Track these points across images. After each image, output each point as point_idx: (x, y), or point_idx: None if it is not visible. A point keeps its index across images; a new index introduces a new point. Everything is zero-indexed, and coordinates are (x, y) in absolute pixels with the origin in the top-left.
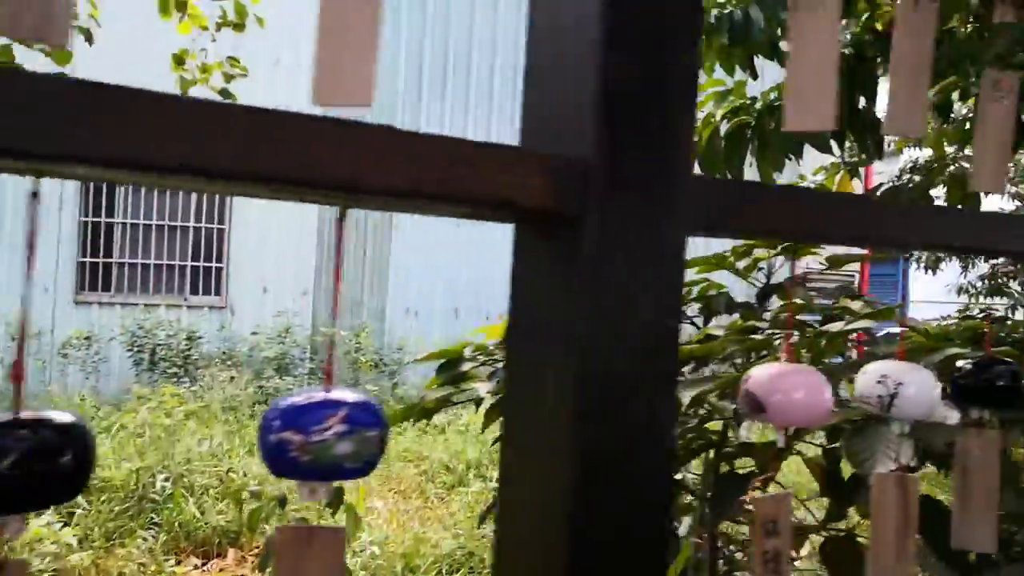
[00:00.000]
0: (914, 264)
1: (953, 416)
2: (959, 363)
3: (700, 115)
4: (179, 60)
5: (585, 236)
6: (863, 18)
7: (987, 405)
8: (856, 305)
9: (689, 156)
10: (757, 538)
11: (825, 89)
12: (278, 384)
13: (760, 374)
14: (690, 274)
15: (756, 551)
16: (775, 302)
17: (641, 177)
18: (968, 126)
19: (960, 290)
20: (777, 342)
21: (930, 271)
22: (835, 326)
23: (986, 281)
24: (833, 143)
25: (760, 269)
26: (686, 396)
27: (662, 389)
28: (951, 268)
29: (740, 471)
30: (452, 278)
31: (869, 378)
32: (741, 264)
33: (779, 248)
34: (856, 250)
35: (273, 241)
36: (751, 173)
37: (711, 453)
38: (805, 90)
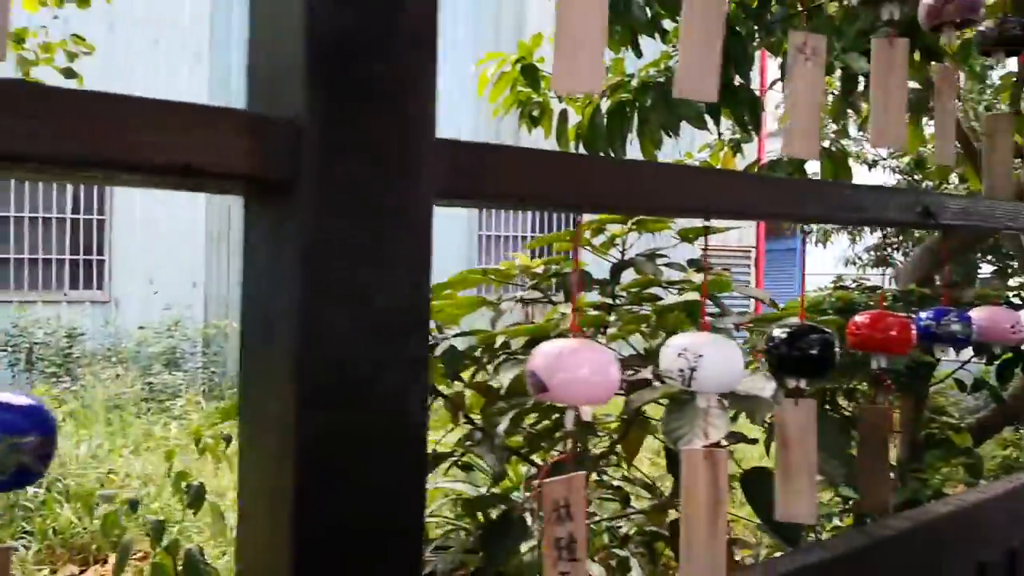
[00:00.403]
0: (808, 238)
1: (769, 387)
2: (774, 332)
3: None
4: (19, 39)
5: (301, 203)
6: None
7: (801, 374)
8: (698, 278)
9: (431, 114)
10: (547, 524)
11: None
12: (167, 380)
13: (543, 352)
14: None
15: (546, 539)
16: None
17: (369, 138)
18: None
19: (848, 262)
20: (613, 318)
21: (821, 244)
22: (669, 301)
23: (871, 253)
24: (710, 120)
25: (615, 245)
26: (506, 378)
27: (410, 373)
28: (841, 241)
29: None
30: None
31: (671, 352)
32: (598, 241)
33: (630, 224)
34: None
35: (159, 231)
36: (633, 151)
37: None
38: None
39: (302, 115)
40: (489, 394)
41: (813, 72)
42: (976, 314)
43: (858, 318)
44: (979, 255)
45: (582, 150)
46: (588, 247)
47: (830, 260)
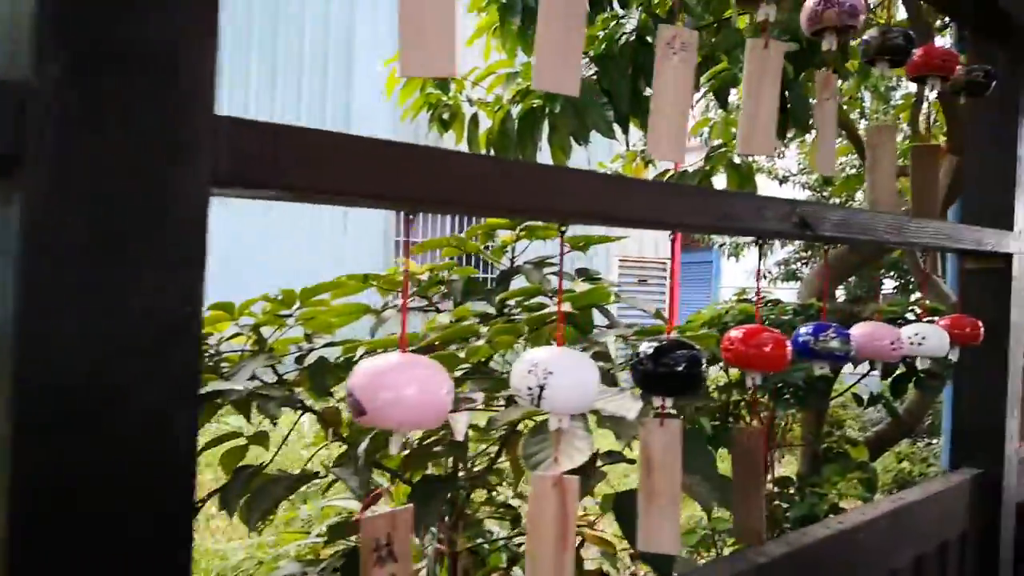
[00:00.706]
0: (721, 251)
1: (635, 407)
2: (640, 348)
3: (489, 98)
4: None
5: (26, 185)
6: (646, 3)
7: (667, 392)
8: (581, 287)
9: (209, 88)
10: (366, 565)
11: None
12: None
13: (364, 370)
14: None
15: None
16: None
17: (123, 113)
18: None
19: (758, 275)
20: (485, 329)
21: (733, 257)
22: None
23: (781, 267)
24: (619, 129)
25: (505, 252)
26: None
27: (174, 392)
28: (753, 254)
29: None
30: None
31: (521, 368)
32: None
33: (519, 229)
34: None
35: None
36: (544, 158)
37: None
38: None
39: (31, 80)
40: None
41: (682, 69)
42: (857, 330)
43: (732, 333)
44: (882, 271)
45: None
46: (477, 252)
47: (742, 274)
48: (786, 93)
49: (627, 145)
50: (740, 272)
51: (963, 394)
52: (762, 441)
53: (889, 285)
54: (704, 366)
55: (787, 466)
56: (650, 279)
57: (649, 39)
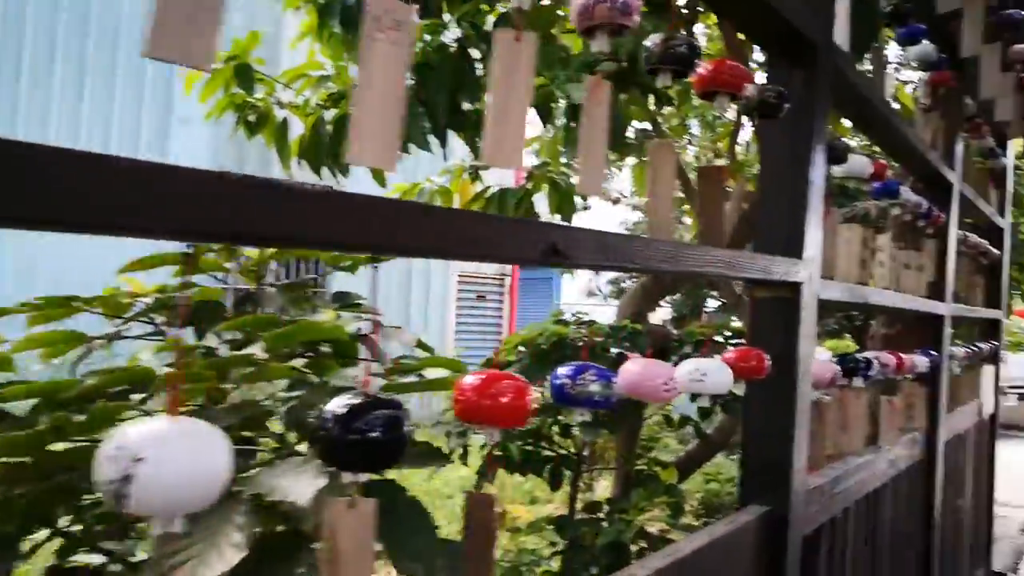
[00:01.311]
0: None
1: (311, 485)
2: (328, 407)
3: (299, 100)
4: None
5: None
6: (472, 12)
7: (358, 466)
8: (325, 316)
9: None
10: None
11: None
12: None
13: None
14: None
15: None
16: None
17: None
18: (568, 132)
19: (589, 293)
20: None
21: (568, 273)
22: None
23: (611, 285)
24: (437, 142)
25: (269, 271)
26: None
27: None
28: (585, 272)
29: None
30: None
31: (106, 450)
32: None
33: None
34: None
35: None
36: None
37: None
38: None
39: None
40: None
41: (392, 53)
42: (629, 367)
43: (467, 380)
44: (705, 289)
45: (306, 165)
46: (219, 271)
47: (580, 292)
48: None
49: (444, 158)
50: (577, 289)
51: (751, 427)
52: (492, 508)
53: (714, 303)
54: (406, 428)
55: (604, 488)
56: (489, 295)
57: (474, 52)
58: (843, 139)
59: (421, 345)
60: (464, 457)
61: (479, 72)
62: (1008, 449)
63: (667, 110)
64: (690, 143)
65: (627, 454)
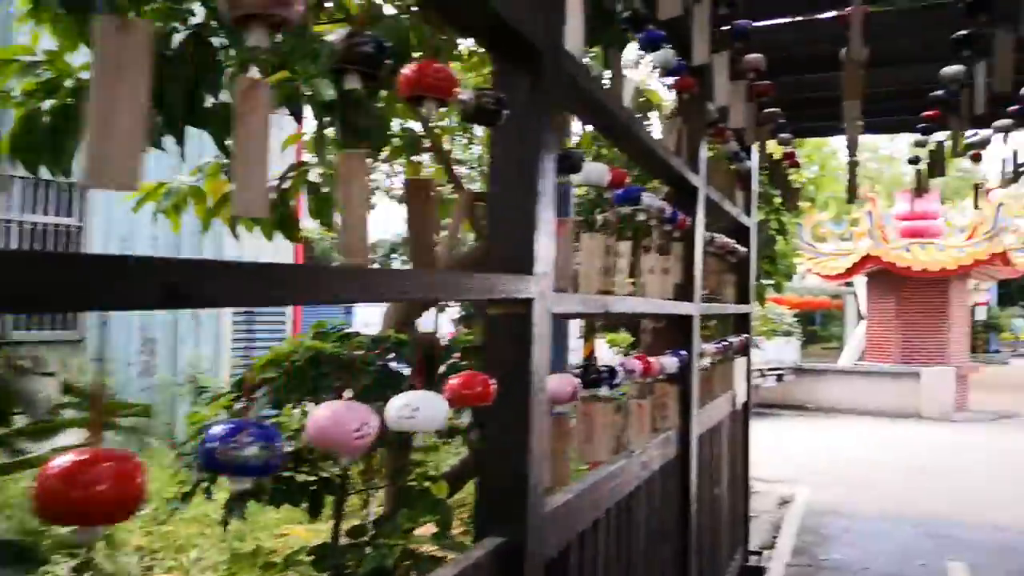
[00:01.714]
0: None
1: None
2: None
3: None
4: None
5: None
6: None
7: None
8: None
9: None
10: None
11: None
12: None
13: None
14: None
15: None
16: None
17: None
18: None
19: None
20: None
21: None
22: None
23: None
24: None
25: None
26: None
27: None
28: None
29: None
30: None
31: None
32: None
33: None
34: None
35: None
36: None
37: None
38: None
39: None
40: None
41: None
42: (318, 413)
43: (54, 463)
44: None
45: (19, 165)
46: None
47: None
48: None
49: (183, 156)
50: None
51: (484, 452)
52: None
53: None
54: None
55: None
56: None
57: (213, 41)
58: (580, 149)
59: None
60: (208, 492)
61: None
62: (768, 427)
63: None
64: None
65: (397, 469)
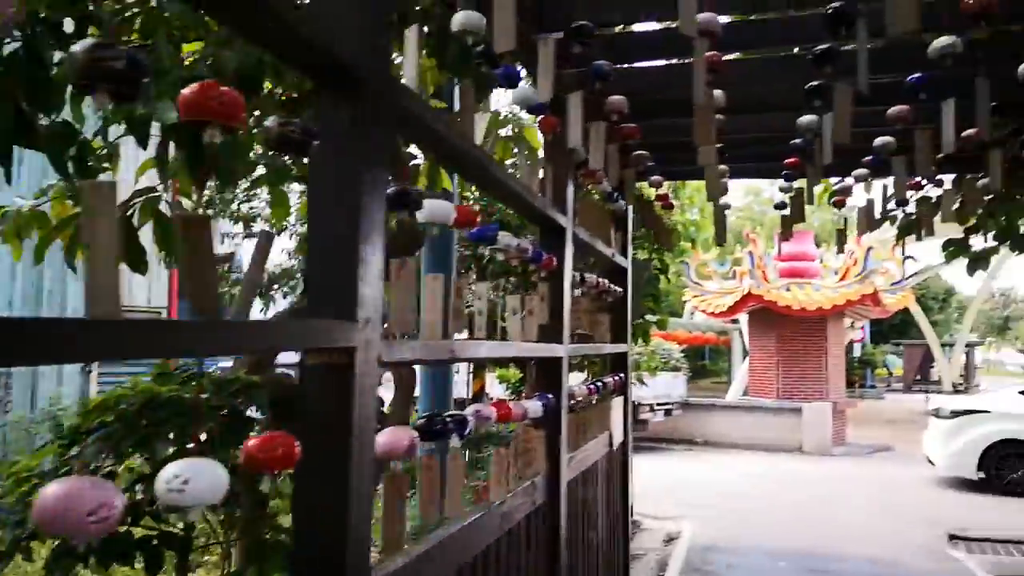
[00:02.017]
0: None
1: None
2: None
3: None
4: None
5: None
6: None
7: None
8: None
9: None
10: None
11: None
12: None
13: None
14: None
15: None
16: None
17: None
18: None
19: None
20: None
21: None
22: None
23: None
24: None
25: None
26: None
27: None
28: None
29: None
30: None
31: None
32: None
33: None
34: None
35: None
36: None
37: None
38: None
39: None
40: None
41: None
42: (48, 491)
43: None
44: None
45: None
46: None
47: None
48: None
49: (8, 181)
50: None
51: (298, 516)
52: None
53: None
54: None
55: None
56: None
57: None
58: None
59: None
60: (27, 552)
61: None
62: (656, 462)
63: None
64: None
65: (250, 521)
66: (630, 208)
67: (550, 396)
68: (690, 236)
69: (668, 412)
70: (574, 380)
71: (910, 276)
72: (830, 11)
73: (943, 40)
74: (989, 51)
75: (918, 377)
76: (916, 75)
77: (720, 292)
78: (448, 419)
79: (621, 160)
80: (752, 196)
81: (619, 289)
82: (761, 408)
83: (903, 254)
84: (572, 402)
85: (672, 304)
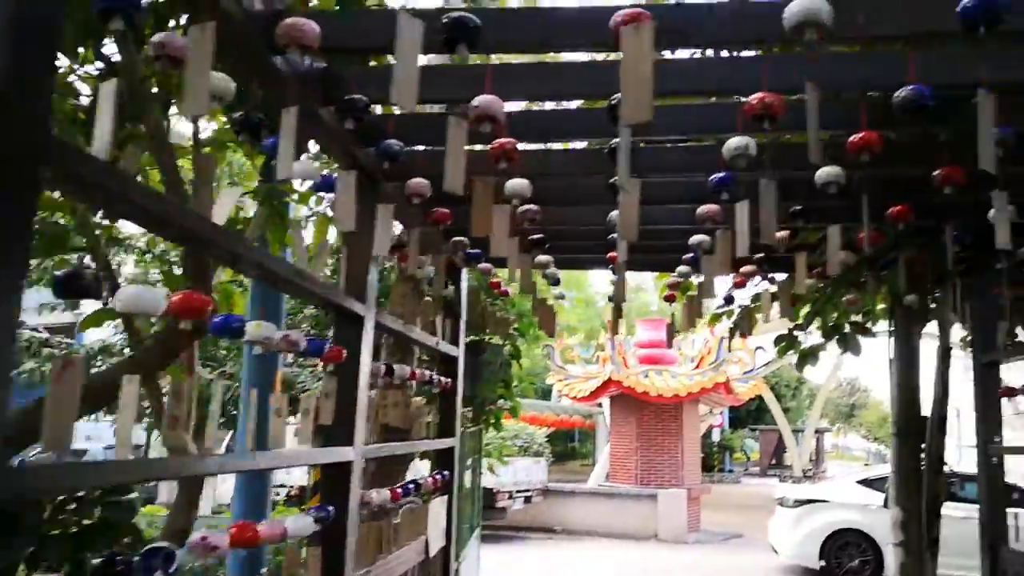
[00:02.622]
0: None
1: None
2: None
3: None
4: None
5: None
6: None
7: None
8: None
9: None
10: None
11: None
12: None
13: None
14: None
15: None
16: None
17: None
18: None
19: None
20: None
21: None
22: None
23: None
24: None
25: None
26: None
27: None
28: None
29: None
30: None
31: None
32: None
33: None
34: None
35: None
36: None
37: None
38: None
39: None
40: None
41: None
42: None
43: None
44: None
45: None
46: None
47: None
48: None
49: None
50: None
51: None
52: None
53: None
54: None
55: None
56: None
57: None
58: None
59: None
60: None
61: None
62: (514, 553)
63: None
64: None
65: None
66: (463, 294)
67: (330, 508)
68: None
69: (528, 499)
70: (425, 469)
71: (762, 366)
72: (609, 105)
73: (735, 141)
74: (778, 152)
75: (773, 462)
76: (718, 175)
77: (583, 377)
78: (140, 557)
79: (439, 246)
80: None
81: (446, 379)
82: (619, 495)
83: (755, 345)
84: (367, 510)
85: (525, 390)
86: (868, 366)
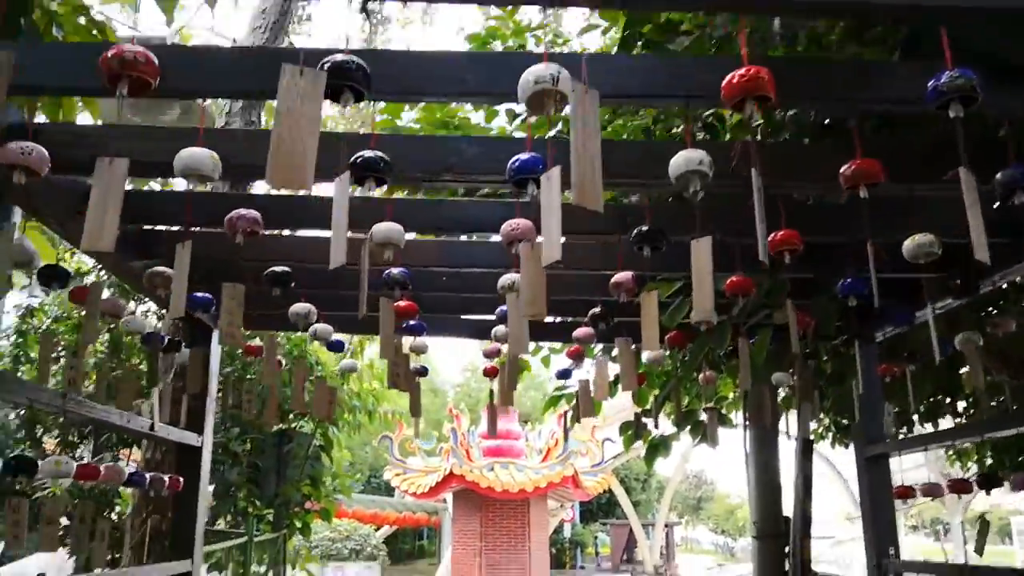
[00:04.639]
0: None
1: None
2: None
3: None
4: None
5: None
6: None
7: None
8: None
9: None
10: None
11: None
12: None
13: None
14: None
15: None
16: None
17: None
18: None
19: None
20: None
21: None
22: None
23: None
24: None
25: None
26: None
27: None
28: None
29: None
30: None
31: None
32: None
33: None
34: None
35: None
36: None
37: None
38: None
39: None
40: None
41: None
42: None
43: None
44: None
45: None
46: None
47: None
48: None
49: None
50: None
51: None
52: None
53: None
54: None
55: None
56: None
57: None
58: None
59: None
60: None
61: None
62: None
63: None
64: None
65: None
66: (214, 375)
67: None
68: (368, 408)
69: None
70: None
71: (611, 458)
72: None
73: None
74: None
75: (624, 557)
76: (523, 156)
77: (424, 470)
78: None
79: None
80: (470, 372)
81: (174, 476)
82: None
83: (603, 437)
84: None
85: (342, 486)
86: (712, 459)
